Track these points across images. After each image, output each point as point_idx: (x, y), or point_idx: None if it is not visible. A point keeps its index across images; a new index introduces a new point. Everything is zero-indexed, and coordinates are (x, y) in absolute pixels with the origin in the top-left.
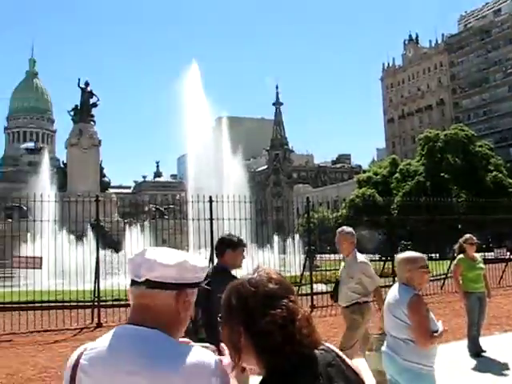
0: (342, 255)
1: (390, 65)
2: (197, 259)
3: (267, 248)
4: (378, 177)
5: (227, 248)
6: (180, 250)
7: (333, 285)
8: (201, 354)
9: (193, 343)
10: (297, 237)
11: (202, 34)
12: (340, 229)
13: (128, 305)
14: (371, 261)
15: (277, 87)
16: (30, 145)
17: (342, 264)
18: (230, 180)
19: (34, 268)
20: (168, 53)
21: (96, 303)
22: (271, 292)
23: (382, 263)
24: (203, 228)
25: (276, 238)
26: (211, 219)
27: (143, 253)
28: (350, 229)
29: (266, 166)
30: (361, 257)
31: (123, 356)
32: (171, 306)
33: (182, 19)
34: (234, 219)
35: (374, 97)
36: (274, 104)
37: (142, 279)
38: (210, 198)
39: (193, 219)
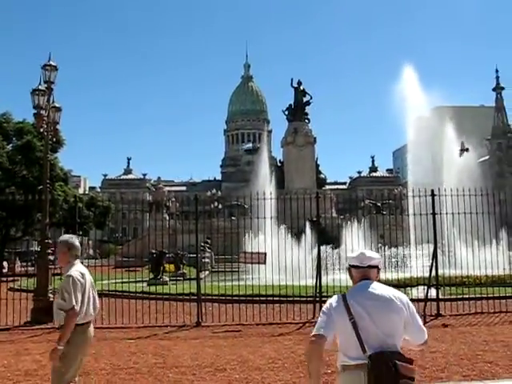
0: None
1: None
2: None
3: (493, 244)
4: None
5: None
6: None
7: None
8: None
9: None
10: None
11: (420, 29)
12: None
13: None
14: None
15: (496, 71)
16: (249, 146)
17: None
18: (450, 172)
19: (258, 263)
20: (380, 47)
21: (318, 298)
22: None
23: None
24: (424, 223)
25: (504, 233)
26: (433, 214)
27: (364, 253)
28: (64, 237)
29: (487, 157)
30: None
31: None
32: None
33: (403, 16)
34: (458, 213)
35: None
36: (493, 89)
37: (365, 265)
38: (432, 191)
39: (414, 214)
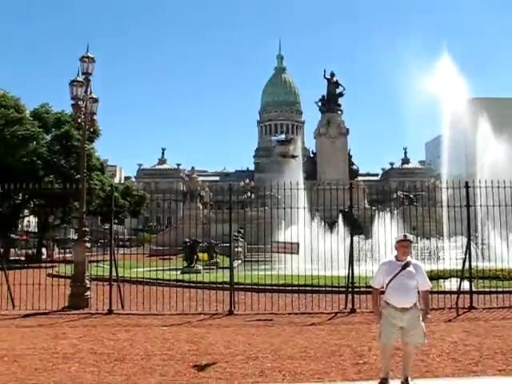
0: None
1: None
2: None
3: None
4: None
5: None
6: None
7: None
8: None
9: None
10: None
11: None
12: None
13: None
14: None
15: None
16: (281, 137)
17: None
18: (485, 164)
19: (291, 253)
20: (416, 36)
21: (350, 289)
22: None
23: None
24: (458, 215)
25: None
26: (468, 206)
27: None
28: None
29: None
30: None
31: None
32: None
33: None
34: (493, 206)
35: None
36: None
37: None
38: (466, 183)
39: (448, 206)
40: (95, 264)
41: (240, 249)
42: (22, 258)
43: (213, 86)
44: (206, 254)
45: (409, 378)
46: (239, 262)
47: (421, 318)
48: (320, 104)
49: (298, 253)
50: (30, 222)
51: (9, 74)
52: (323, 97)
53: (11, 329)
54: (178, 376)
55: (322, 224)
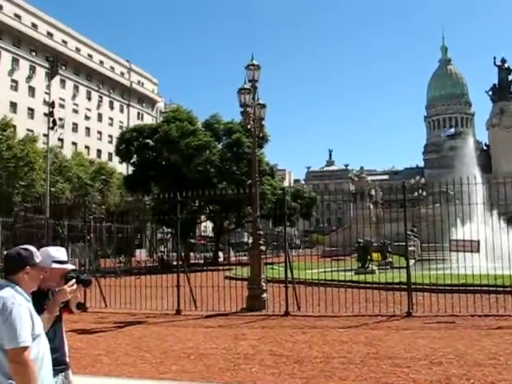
0: None
1: None
2: None
3: None
4: None
5: None
6: None
7: None
8: None
9: None
10: None
11: None
12: None
13: None
14: None
15: None
16: (451, 131)
17: None
18: None
19: (471, 251)
20: None
21: None
22: None
23: None
24: None
25: None
26: None
27: None
28: None
29: None
30: None
31: None
32: None
33: None
34: None
35: None
36: None
37: None
38: None
39: None
40: (270, 266)
41: (413, 248)
42: (201, 262)
43: (376, 83)
44: (379, 254)
45: None
46: (413, 261)
47: None
48: (491, 93)
49: (478, 251)
50: (207, 227)
51: (180, 87)
52: (494, 85)
53: (195, 329)
54: (359, 380)
55: (501, 220)
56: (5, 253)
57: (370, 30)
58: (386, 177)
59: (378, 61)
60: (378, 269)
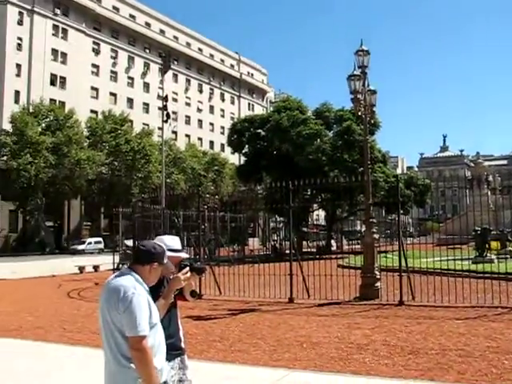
0: None
1: None
2: None
3: None
4: None
5: None
6: None
7: None
8: None
9: None
10: None
11: None
12: None
13: None
14: None
15: None
16: None
17: None
18: None
19: None
20: None
21: None
22: None
23: None
24: None
25: None
26: None
27: None
28: None
29: None
30: None
31: None
32: None
33: None
34: None
35: None
36: None
37: None
38: None
39: None
40: (383, 255)
41: None
42: (314, 250)
43: (493, 65)
44: (498, 243)
45: None
46: None
47: None
48: None
49: None
50: (319, 215)
51: (289, 77)
52: None
53: (308, 317)
54: (478, 376)
55: None
56: (141, 242)
57: (487, 17)
58: (505, 162)
59: (498, 44)
60: (497, 258)
